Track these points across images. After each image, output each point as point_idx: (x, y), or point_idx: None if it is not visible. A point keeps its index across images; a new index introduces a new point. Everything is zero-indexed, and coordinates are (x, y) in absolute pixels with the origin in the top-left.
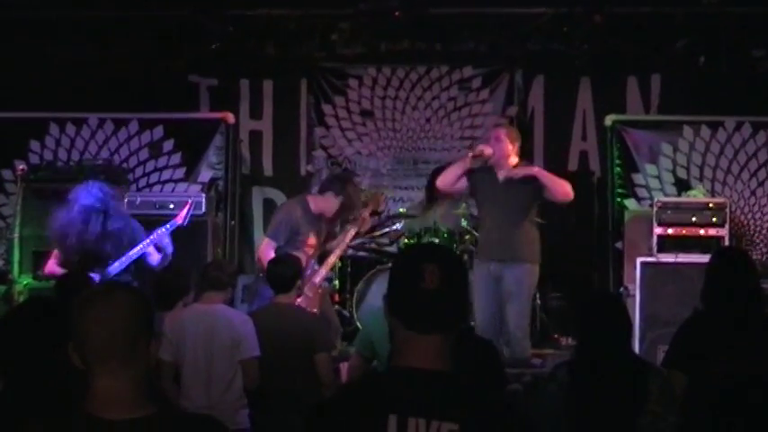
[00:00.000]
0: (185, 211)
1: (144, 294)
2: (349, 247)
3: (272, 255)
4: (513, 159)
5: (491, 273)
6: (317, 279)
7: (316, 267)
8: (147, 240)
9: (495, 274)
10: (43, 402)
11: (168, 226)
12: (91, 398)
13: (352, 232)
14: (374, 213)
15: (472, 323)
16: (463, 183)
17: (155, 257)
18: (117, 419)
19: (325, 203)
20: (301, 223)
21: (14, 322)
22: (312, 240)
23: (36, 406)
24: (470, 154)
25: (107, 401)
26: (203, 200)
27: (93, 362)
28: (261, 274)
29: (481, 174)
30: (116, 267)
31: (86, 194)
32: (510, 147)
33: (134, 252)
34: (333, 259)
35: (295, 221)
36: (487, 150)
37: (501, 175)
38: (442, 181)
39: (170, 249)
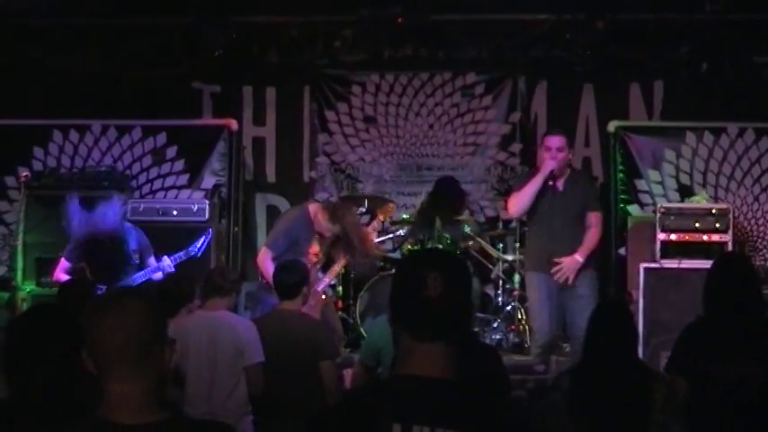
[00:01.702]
0: (202, 242)
1: (157, 301)
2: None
3: (270, 264)
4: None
5: (554, 283)
6: (320, 286)
7: (320, 275)
8: (155, 267)
9: (558, 284)
10: (50, 408)
11: (181, 254)
12: (104, 403)
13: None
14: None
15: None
16: None
17: (158, 275)
18: (131, 424)
19: (323, 227)
20: (301, 232)
21: (21, 329)
22: (314, 248)
23: (43, 412)
24: (536, 180)
25: (120, 406)
26: (206, 206)
27: (108, 367)
28: (263, 281)
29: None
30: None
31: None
32: (568, 153)
33: (143, 274)
34: (337, 268)
35: (294, 231)
36: (555, 165)
37: (560, 185)
38: (518, 208)
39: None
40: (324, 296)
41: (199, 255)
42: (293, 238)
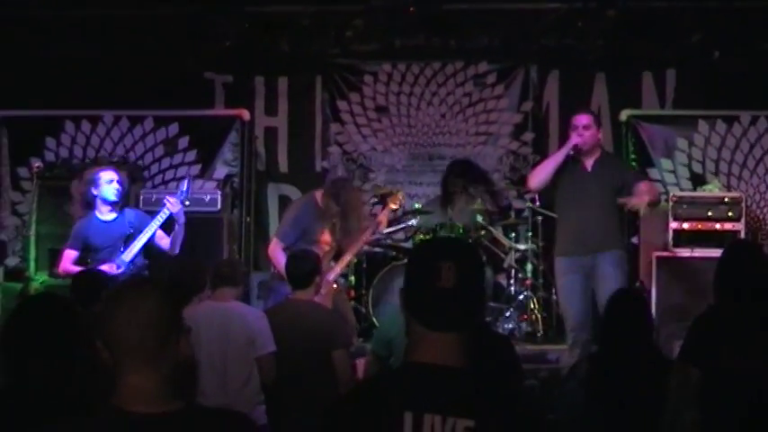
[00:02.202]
0: (185, 183)
1: (172, 291)
2: (365, 244)
3: (281, 255)
4: (599, 150)
5: (583, 266)
6: (332, 276)
7: (331, 264)
8: (159, 216)
9: (587, 267)
10: (47, 397)
11: (180, 192)
12: (119, 392)
13: (369, 232)
14: (392, 211)
15: (566, 319)
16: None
17: (165, 241)
18: (146, 413)
19: (328, 208)
20: (311, 221)
21: (20, 317)
22: (326, 237)
23: (39, 401)
24: (559, 154)
25: (136, 396)
26: (219, 197)
27: (124, 358)
28: (275, 271)
29: (566, 166)
30: (129, 254)
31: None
32: (598, 131)
33: (144, 235)
34: (348, 257)
35: (304, 220)
36: (580, 141)
37: (588, 165)
38: (537, 180)
39: (183, 219)
40: (335, 285)
41: (188, 195)
42: (302, 227)
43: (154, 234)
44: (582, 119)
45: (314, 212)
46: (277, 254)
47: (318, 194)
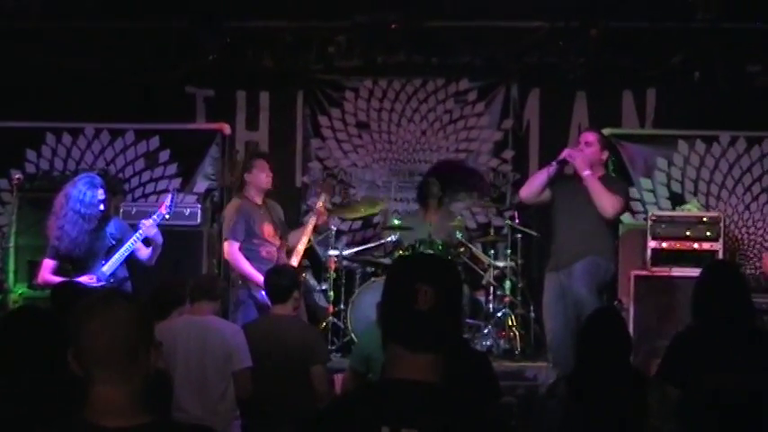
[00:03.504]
0: (168, 200)
1: (144, 304)
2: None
3: (239, 254)
4: (601, 169)
5: (561, 282)
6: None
7: (287, 261)
8: (135, 236)
9: (564, 284)
10: (35, 410)
11: (155, 217)
12: (89, 405)
13: (311, 223)
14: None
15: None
16: (547, 193)
17: (144, 252)
18: (113, 427)
19: (264, 178)
20: (249, 212)
21: (5, 330)
22: (269, 230)
23: (28, 413)
24: (551, 167)
25: (105, 409)
26: (198, 210)
27: (93, 370)
28: (240, 282)
29: (564, 181)
30: (109, 267)
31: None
32: (601, 151)
33: (124, 249)
34: (301, 248)
35: (243, 212)
36: (574, 154)
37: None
38: (528, 191)
39: (160, 240)
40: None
41: (170, 212)
42: (247, 220)
43: (135, 250)
44: (587, 135)
45: (248, 206)
46: (236, 254)
47: (249, 191)
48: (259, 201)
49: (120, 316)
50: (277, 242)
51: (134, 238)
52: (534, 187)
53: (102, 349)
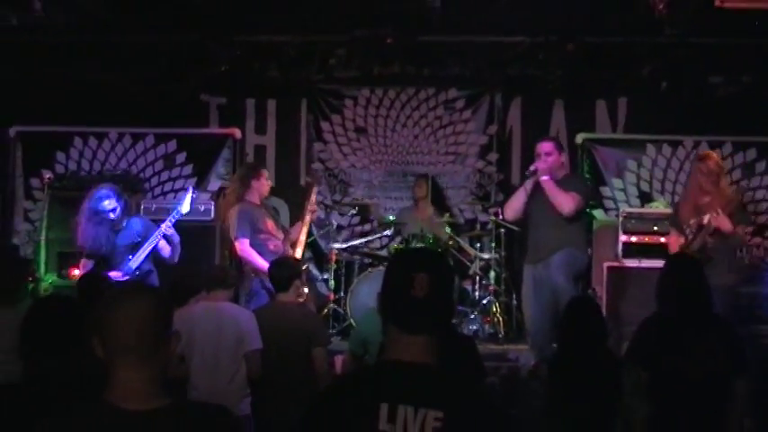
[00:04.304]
0: (188, 198)
1: (165, 296)
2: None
3: (251, 249)
4: (563, 170)
5: (539, 273)
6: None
7: (290, 251)
8: (158, 233)
9: (542, 275)
10: (60, 393)
11: (175, 214)
12: (111, 389)
13: (307, 216)
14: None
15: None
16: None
17: (166, 250)
18: (135, 410)
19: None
20: (251, 212)
21: (35, 316)
22: (271, 224)
23: (54, 396)
24: (527, 183)
25: (126, 393)
26: (212, 207)
27: (117, 356)
28: (253, 275)
29: (535, 188)
30: (135, 261)
31: (94, 200)
32: (559, 156)
33: (147, 244)
34: (303, 239)
35: (246, 212)
36: (545, 166)
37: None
38: (512, 212)
39: (177, 238)
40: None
41: (191, 210)
42: (251, 219)
43: (157, 245)
44: (544, 146)
45: (248, 207)
46: (248, 251)
47: (249, 195)
48: (258, 202)
49: (143, 306)
50: (280, 235)
51: (156, 233)
52: (516, 207)
53: (127, 337)
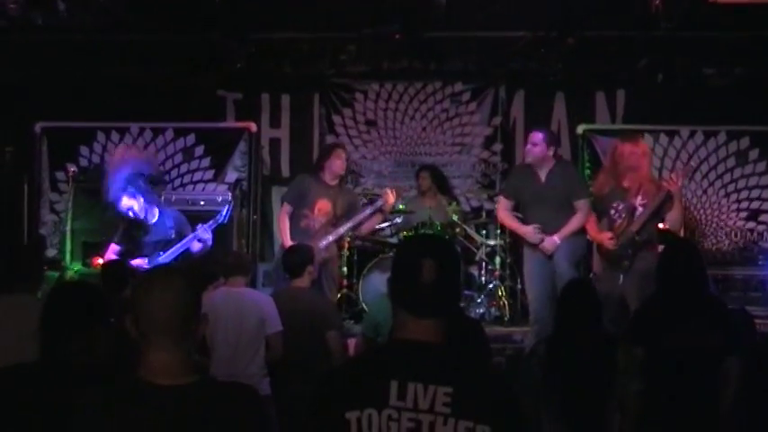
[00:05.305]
0: (226, 209)
1: (196, 279)
2: (356, 238)
3: (285, 216)
4: (551, 161)
5: (541, 261)
6: (323, 243)
7: (319, 238)
8: (193, 236)
9: (541, 257)
10: (75, 373)
11: (212, 222)
12: (144, 365)
13: (379, 217)
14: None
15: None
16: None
17: (196, 246)
18: (167, 385)
19: (333, 164)
20: (310, 188)
21: (56, 300)
22: (322, 205)
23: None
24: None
25: (159, 369)
26: (229, 198)
27: (152, 336)
28: (278, 260)
29: (521, 176)
30: (165, 258)
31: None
32: (547, 149)
33: (180, 245)
34: (342, 230)
35: (303, 186)
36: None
37: (542, 176)
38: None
39: (210, 242)
40: (325, 253)
41: (226, 221)
42: (301, 192)
43: (190, 246)
44: (533, 136)
45: (311, 181)
46: (281, 215)
47: (328, 165)
48: (332, 183)
49: (178, 288)
50: (324, 220)
51: (191, 237)
52: (506, 223)
53: (160, 318)
